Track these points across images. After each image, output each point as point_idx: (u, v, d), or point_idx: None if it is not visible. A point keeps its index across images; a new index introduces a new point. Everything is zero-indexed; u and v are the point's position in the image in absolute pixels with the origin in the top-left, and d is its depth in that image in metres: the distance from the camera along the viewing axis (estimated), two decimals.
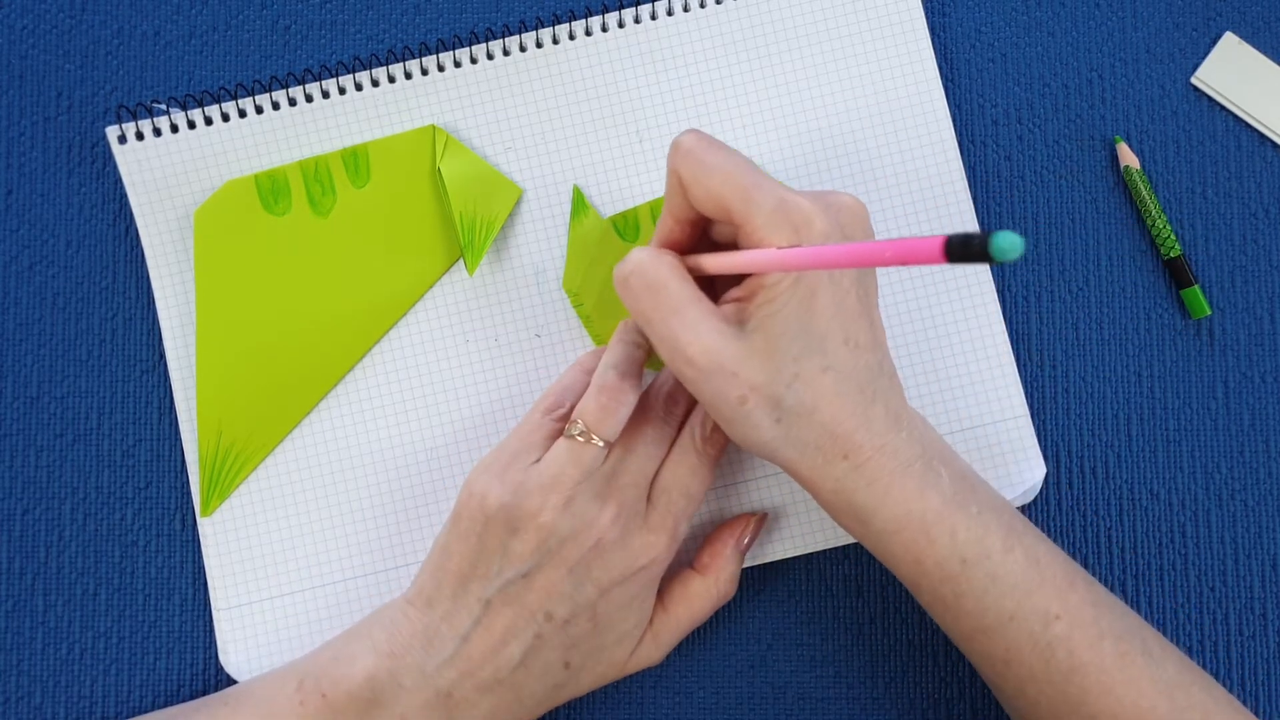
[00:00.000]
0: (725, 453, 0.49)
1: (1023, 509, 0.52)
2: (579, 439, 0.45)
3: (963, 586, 0.44)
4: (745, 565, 0.51)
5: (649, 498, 0.47)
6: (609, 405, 0.45)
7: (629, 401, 0.46)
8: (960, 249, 0.33)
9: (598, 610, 0.46)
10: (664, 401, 0.48)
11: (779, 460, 0.44)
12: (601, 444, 0.45)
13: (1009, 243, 0.31)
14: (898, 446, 0.44)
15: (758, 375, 0.42)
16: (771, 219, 0.42)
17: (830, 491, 0.44)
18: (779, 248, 0.41)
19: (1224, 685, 0.51)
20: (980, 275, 0.52)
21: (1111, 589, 0.52)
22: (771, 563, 0.52)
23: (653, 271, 0.43)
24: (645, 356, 0.48)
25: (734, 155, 0.43)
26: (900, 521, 0.44)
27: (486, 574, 0.45)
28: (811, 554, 0.52)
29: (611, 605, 0.46)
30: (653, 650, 0.48)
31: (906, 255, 0.35)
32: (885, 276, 0.52)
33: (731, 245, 0.45)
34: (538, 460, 0.45)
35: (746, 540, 0.50)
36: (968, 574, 0.44)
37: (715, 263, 0.43)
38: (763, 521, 0.51)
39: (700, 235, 0.46)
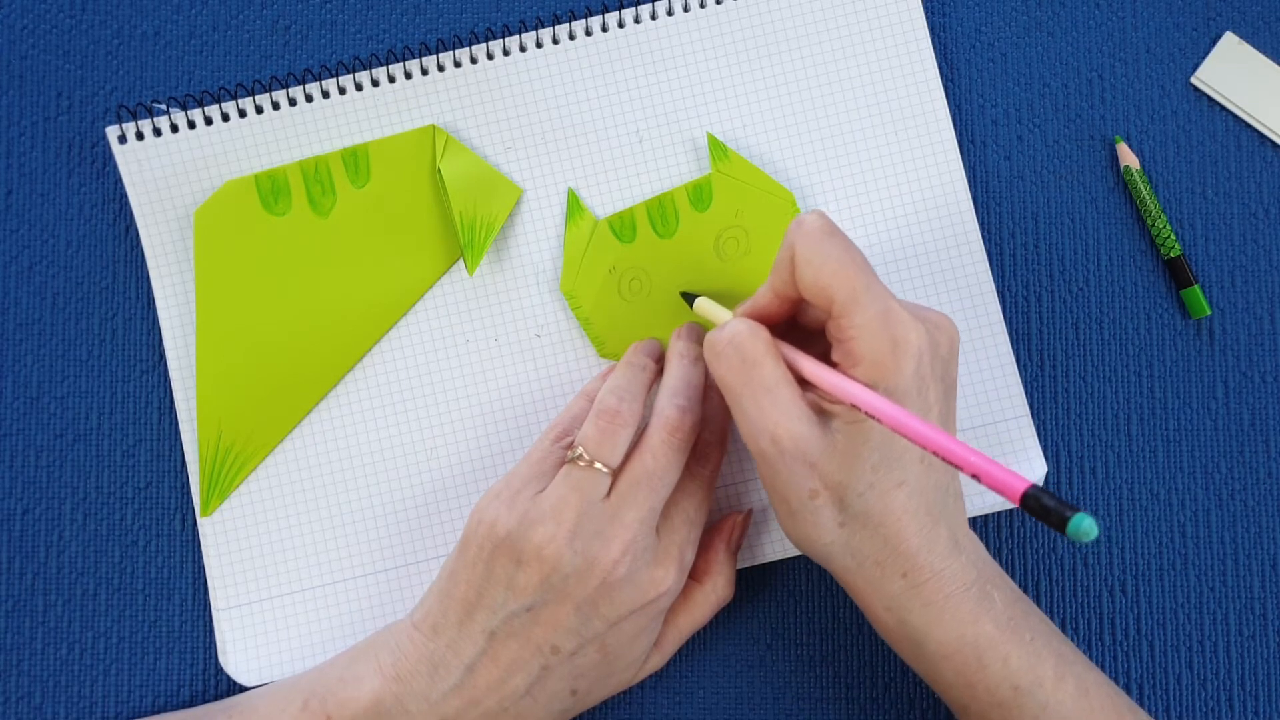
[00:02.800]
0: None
1: None
2: (580, 464, 0.45)
3: (1013, 714, 0.44)
4: (742, 566, 0.51)
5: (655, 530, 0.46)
6: (608, 429, 0.45)
7: (629, 425, 0.45)
8: (1036, 505, 0.34)
9: (606, 642, 0.45)
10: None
11: (833, 567, 0.44)
12: (604, 469, 0.45)
13: (1085, 527, 0.33)
14: (956, 571, 0.44)
15: (835, 474, 0.42)
16: (871, 324, 0.41)
17: (883, 609, 0.44)
18: (877, 392, 0.40)
19: (1224, 685, 0.51)
20: (980, 275, 0.52)
21: (1111, 589, 0.52)
22: (770, 563, 0.52)
23: (749, 345, 0.43)
24: (650, 380, 0.48)
25: (852, 249, 0.43)
26: (953, 646, 0.44)
27: (492, 605, 0.45)
28: None
29: (621, 637, 0.46)
30: (657, 660, 0.49)
31: (984, 476, 0.36)
32: (882, 275, 0.52)
33: (817, 330, 0.45)
34: (544, 489, 0.45)
35: (736, 541, 0.50)
36: (1019, 701, 0.44)
37: (813, 372, 0.43)
38: (748, 519, 0.51)
39: (791, 313, 0.45)
